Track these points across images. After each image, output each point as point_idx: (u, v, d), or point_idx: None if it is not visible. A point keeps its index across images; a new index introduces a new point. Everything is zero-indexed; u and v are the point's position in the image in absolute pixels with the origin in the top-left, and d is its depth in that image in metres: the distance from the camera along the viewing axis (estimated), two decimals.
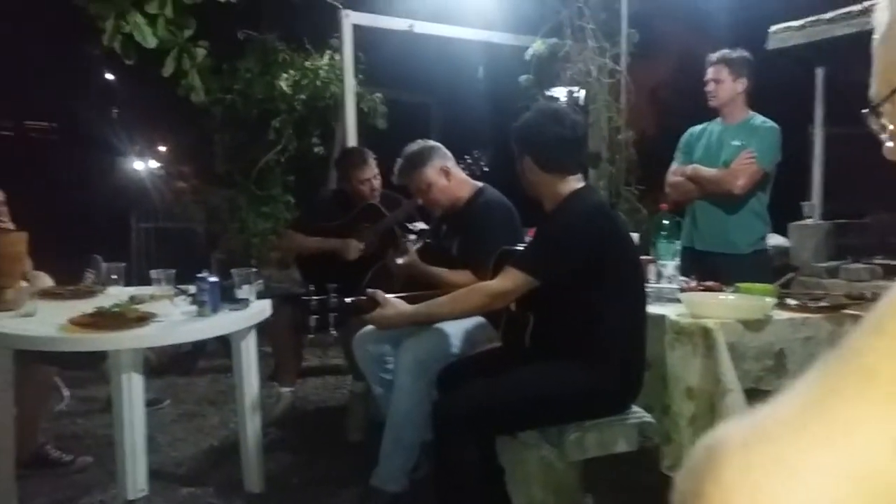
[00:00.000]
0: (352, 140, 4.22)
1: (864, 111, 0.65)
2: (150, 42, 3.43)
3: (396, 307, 2.19)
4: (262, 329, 2.82)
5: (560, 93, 4.31)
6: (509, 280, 2.04)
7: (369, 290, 2.22)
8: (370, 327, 2.65)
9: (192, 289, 2.51)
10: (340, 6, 4.16)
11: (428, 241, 3.05)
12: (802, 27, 4.61)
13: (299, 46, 5.72)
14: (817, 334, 2.26)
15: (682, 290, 2.53)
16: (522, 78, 4.19)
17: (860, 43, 0.70)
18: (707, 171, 3.12)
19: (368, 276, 3.26)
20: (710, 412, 2.15)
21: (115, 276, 2.94)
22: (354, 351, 2.81)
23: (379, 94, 5.81)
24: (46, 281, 3.20)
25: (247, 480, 2.70)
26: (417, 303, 2.21)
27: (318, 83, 5.59)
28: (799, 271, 4.65)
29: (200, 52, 3.82)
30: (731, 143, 3.11)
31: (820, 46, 4.62)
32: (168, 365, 4.31)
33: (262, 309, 2.62)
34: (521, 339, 2.13)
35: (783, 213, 3.24)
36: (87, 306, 2.38)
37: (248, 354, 2.66)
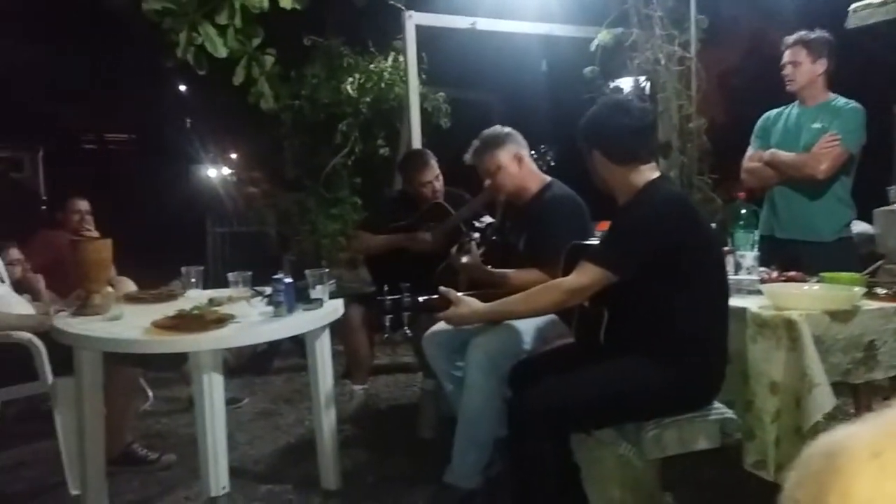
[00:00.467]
0: (416, 140, 4.24)
1: None
2: (221, 52, 3.54)
3: (470, 305, 2.19)
4: (334, 328, 2.86)
5: (625, 83, 4.22)
6: (585, 275, 1.99)
7: (442, 289, 2.22)
8: (440, 325, 2.66)
9: (267, 290, 2.57)
10: (403, 7, 4.18)
11: (494, 237, 3.03)
12: (884, 3, 4.37)
13: (363, 50, 5.80)
14: None
15: (763, 281, 2.44)
16: (587, 70, 4.12)
17: None
18: (786, 155, 3.00)
19: (436, 275, 3.27)
20: (795, 408, 2.07)
21: (194, 280, 3.03)
22: (424, 349, 2.82)
23: (442, 94, 5.83)
24: (130, 286, 3.34)
25: (323, 477, 2.75)
26: (489, 300, 2.20)
27: (383, 85, 5.66)
28: (886, 259, 4.41)
29: (269, 60, 3.91)
30: (811, 126, 2.98)
31: None
32: (245, 365, 4.43)
33: (335, 308, 2.66)
34: (596, 335, 2.08)
35: (868, 199, 3.08)
36: (168, 309, 2.46)
37: (323, 353, 2.70)
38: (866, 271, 2.57)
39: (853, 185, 3.04)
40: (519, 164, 2.75)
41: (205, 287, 3.09)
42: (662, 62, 4.00)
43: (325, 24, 5.97)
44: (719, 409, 2.10)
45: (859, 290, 2.20)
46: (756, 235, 2.69)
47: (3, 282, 3.05)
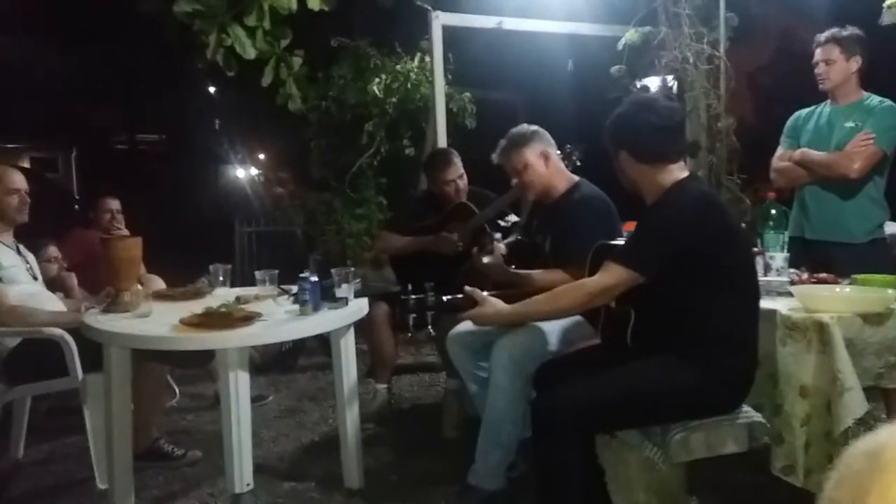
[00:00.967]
0: (442, 141, 4.24)
1: None
2: (250, 53, 3.57)
3: (495, 305, 2.18)
4: (359, 327, 2.87)
5: (653, 83, 4.17)
6: (611, 276, 1.97)
7: (467, 289, 2.21)
8: (463, 325, 2.65)
9: (294, 289, 2.59)
10: (430, 8, 4.19)
11: (519, 237, 3.02)
12: None
13: (390, 51, 5.82)
14: None
15: (793, 282, 2.40)
16: (614, 69, 4.08)
17: None
18: (818, 154, 2.94)
19: (461, 274, 3.27)
20: (826, 412, 2.04)
21: (221, 278, 3.07)
22: (448, 348, 2.82)
23: (468, 94, 5.82)
24: (159, 283, 3.38)
25: (346, 476, 2.75)
26: (514, 301, 2.18)
27: (409, 86, 5.68)
28: None
29: (297, 61, 3.94)
30: (843, 125, 2.92)
31: None
32: (271, 362, 4.47)
33: (360, 307, 2.67)
34: (623, 335, 2.06)
35: None
36: (196, 307, 2.49)
37: (347, 352, 2.71)
38: None
39: (886, 186, 2.97)
40: (546, 163, 2.73)
41: (232, 285, 3.13)
42: (691, 61, 3.96)
43: (353, 26, 6.00)
44: (748, 413, 2.07)
45: (893, 292, 2.16)
46: (786, 236, 2.65)
47: (36, 279, 3.11)
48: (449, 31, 4.24)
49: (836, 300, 2.18)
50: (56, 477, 3.00)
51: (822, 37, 2.97)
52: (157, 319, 2.45)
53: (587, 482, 2.04)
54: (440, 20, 4.15)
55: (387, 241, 3.72)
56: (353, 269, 2.84)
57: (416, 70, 5.68)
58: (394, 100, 5.71)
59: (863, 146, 2.82)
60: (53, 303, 3.08)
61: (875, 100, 2.93)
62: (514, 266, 2.78)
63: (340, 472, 2.77)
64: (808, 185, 3.02)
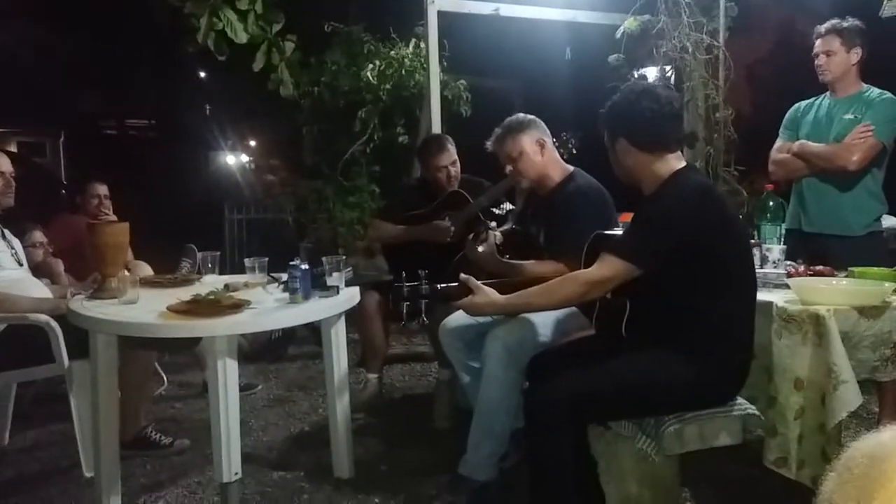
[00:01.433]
0: (436, 128, 4.20)
1: None
2: (242, 37, 3.53)
3: (489, 295, 2.14)
4: (350, 316, 2.84)
5: (651, 72, 4.15)
6: (607, 268, 1.94)
7: (462, 277, 2.18)
8: (457, 314, 2.62)
9: (284, 276, 2.55)
10: None
11: (514, 226, 2.99)
12: None
13: (384, 36, 5.75)
14: None
15: (790, 275, 2.38)
16: (612, 57, 4.05)
17: None
18: (817, 146, 2.92)
19: (455, 263, 3.23)
20: (820, 405, 2.03)
21: (210, 265, 3.02)
22: (441, 338, 2.79)
23: (463, 81, 5.77)
24: (146, 270, 3.34)
25: (336, 466, 2.73)
26: (510, 290, 2.15)
27: (403, 72, 5.62)
28: None
29: (289, 46, 3.89)
30: (842, 118, 2.90)
31: None
32: (260, 351, 4.43)
33: (351, 296, 2.63)
34: (618, 327, 2.03)
35: None
36: (184, 294, 2.45)
37: (338, 341, 2.68)
38: None
39: (884, 179, 2.96)
40: (541, 151, 2.70)
41: (221, 273, 3.08)
42: (690, 50, 3.93)
43: (347, 10, 5.94)
44: (742, 405, 2.05)
45: (889, 285, 2.15)
46: (783, 228, 2.63)
47: (21, 265, 3.05)
48: (445, 17, 4.19)
49: (833, 293, 2.17)
50: (42, 464, 2.96)
51: (823, 28, 2.94)
52: (144, 306, 2.41)
53: (580, 473, 2.02)
54: (436, 6, 4.10)
55: (379, 229, 3.68)
56: (344, 257, 2.80)
57: (410, 56, 5.62)
58: (388, 86, 5.64)
59: (862, 138, 2.80)
60: (39, 289, 3.03)
61: (875, 92, 2.91)
62: (508, 256, 2.75)
63: (330, 461, 2.74)
64: (805, 178, 3.00)
